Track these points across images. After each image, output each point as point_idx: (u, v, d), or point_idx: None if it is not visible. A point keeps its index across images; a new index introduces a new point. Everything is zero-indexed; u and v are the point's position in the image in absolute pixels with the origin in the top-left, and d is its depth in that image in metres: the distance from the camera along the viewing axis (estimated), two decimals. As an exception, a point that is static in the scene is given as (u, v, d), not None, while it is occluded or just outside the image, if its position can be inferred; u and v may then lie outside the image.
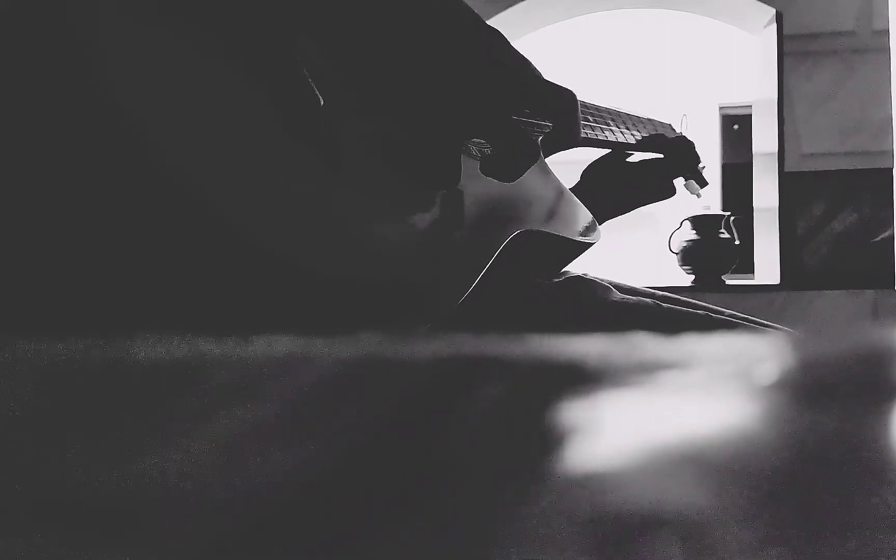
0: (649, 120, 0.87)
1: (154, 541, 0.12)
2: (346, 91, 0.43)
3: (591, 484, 0.14)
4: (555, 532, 0.12)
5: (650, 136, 0.85)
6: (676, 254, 2.24)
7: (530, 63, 0.48)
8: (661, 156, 0.85)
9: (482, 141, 0.49)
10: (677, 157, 0.86)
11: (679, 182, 0.90)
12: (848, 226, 2.18)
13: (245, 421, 0.17)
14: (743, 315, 0.64)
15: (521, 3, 2.24)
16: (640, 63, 3.22)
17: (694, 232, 2.20)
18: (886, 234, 2.17)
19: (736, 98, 2.99)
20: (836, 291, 2.09)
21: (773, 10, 2.22)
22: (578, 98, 0.52)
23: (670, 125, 0.92)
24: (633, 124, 0.83)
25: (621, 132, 0.80)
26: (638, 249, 2.87)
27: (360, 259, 0.40)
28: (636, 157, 0.85)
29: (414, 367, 0.21)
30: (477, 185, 0.50)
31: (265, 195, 0.37)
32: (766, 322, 0.63)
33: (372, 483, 0.14)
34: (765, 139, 2.28)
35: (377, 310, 0.40)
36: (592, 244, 0.63)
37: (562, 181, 0.67)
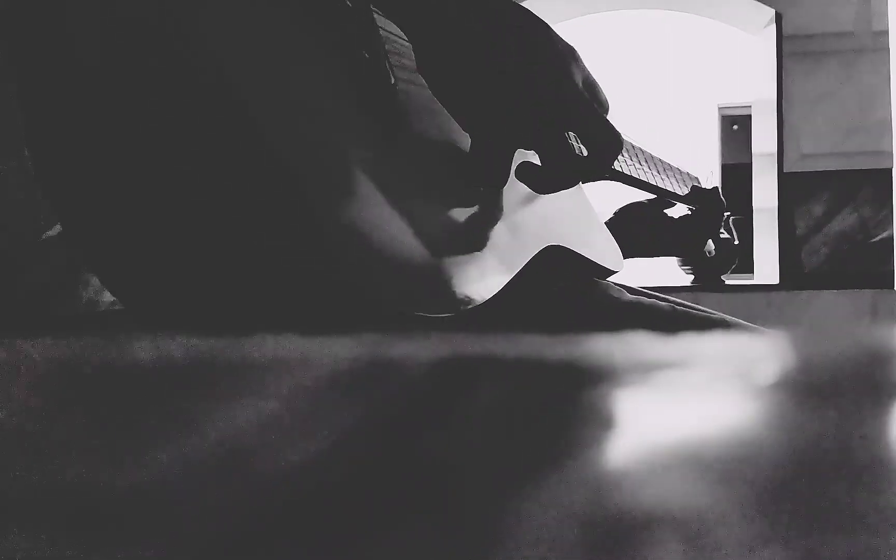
0: (685, 172, 0.87)
1: (154, 540, 0.12)
2: (420, 75, 0.45)
3: (591, 484, 0.14)
4: (555, 532, 0.12)
5: (693, 189, 0.85)
6: (676, 254, 2.24)
7: (598, 86, 0.49)
8: (693, 209, 0.85)
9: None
10: (710, 213, 0.86)
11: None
12: (847, 226, 2.18)
13: (245, 421, 0.17)
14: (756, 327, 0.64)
15: (521, 4, 2.23)
16: (641, 63, 3.22)
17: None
18: (886, 234, 2.17)
19: (736, 98, 2.98)
20: (836, 291, 2.09)
21: (773, 11, 2.22)
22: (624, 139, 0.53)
23: (697, 178, 0.91)
24: (675, 174, 0.83)
25: (667, 181, 0.80)
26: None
27: (393, 233, 0.41)
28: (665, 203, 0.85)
29: (414, 367, 0.21)
30: (518, 193, 0.51)
31: (327, 158, 0.39)
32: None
33: (372, 483, 0.14)
34: (764, 139, 2.28)
35: (401, 288, 0.41)
36: (615, 272, 0.64)
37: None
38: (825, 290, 2.10)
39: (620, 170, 0.70)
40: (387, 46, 0.44)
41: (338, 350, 0.22)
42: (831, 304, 2.07)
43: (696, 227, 0.86)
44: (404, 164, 0.43)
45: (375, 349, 0.22)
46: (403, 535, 0.12)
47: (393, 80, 0.43)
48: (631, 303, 0.56)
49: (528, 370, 0.21)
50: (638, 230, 0.83)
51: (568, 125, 0.46)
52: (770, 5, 2.22)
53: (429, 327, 0.40)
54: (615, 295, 0.57)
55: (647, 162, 0.76)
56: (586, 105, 0.46)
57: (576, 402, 0.18)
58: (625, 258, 0.80)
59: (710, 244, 0.93)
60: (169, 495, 0.13)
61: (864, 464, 0.14)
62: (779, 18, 2.22)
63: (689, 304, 0.66)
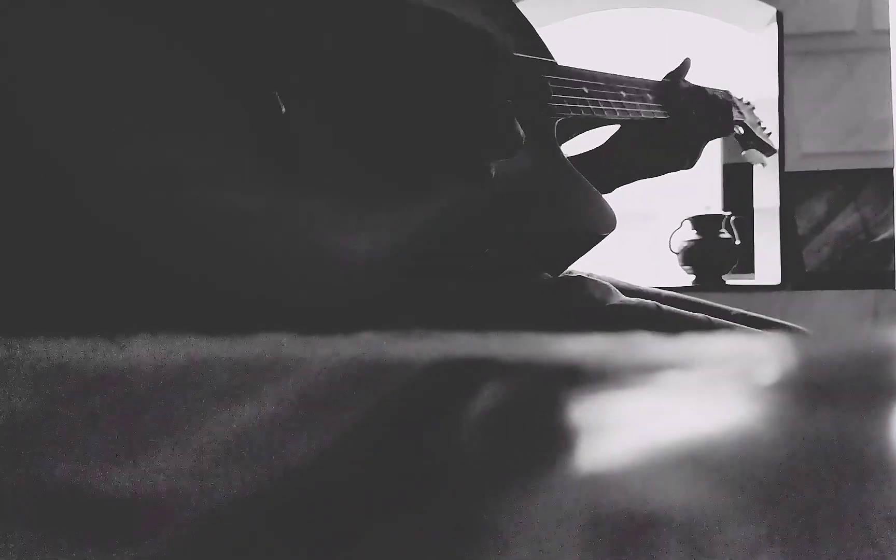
0: (652, 84, 0.79)
1: (154, 540, 0.12)
2: (313, 99, 0.43)
3: (591, 484, 0.14)
4: (555, 532, 0.12)
5: (657, 95, 0.76)
6: (677, 254, 2.24)
7: (520, 66, 0.47)
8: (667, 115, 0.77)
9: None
10: (682, 113, 0.77)
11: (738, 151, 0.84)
12: (848, 226, 2.18)
13: (244, 421, 0.17)
14: (749, 314, 0.63)
15: (521, 3, 2.24)
16: (641, 62, 3.21)
17: (694, 232, 2.20)
18: (887, 233, 2.17)
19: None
20: (837, 291, 2.09)
21: (774, 10, 2.22)
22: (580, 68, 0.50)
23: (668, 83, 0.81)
24: (639, 93, 0.75)
25: (626, 105, 0.72)
26: (638, 249, 2.87)
27: (320, 267, 0.40)
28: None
29: (414, 367, 0.21)
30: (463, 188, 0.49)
31: (211, 201, 0.37)
32: (770, 318, 0.62)
33: (372, 483, 0.14)
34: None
35: (348, 315, 0.40)
36: (605, 236, 0.61)
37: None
38: (826, 290, 2.10)
39: (573, 113, 0.65)
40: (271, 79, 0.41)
41: (337, 350, 0.22)
42: (833, 304, 2.07)
43: (671, 135, 0.77)
44: (313, 195, 0.41)
45: (375, 349, 0.22)
46: (403, 535, 0.12)
47: (283, 110, 0.40)
48: (612, 307, 0.55)
49: (528, 370, 0.21)
50: (618, 160, 0.77)
51: (478, 121, 0.45)
52: (771, 4, 2.22)
53: (428, 327, 0.40)
54: (598, 296, 0.55)
55: (602, 94, 0.70)
56: (489, 115, 0.45)
57: (576, 402, 0.18)
58: (620, 185, 0.77)
59: (756, 154, 0.86)
60: (168, 495, 0.13)
61: (864, 464, 0.14)
62: (780, 17, 2.22)
63: (680, 296, 0.65)
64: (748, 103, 0.97)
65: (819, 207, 2.19)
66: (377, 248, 0.43)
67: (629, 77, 0.76)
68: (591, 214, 0.60)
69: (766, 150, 0.89)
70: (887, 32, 2.17)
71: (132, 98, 0.36)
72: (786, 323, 0.63)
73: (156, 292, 0.35)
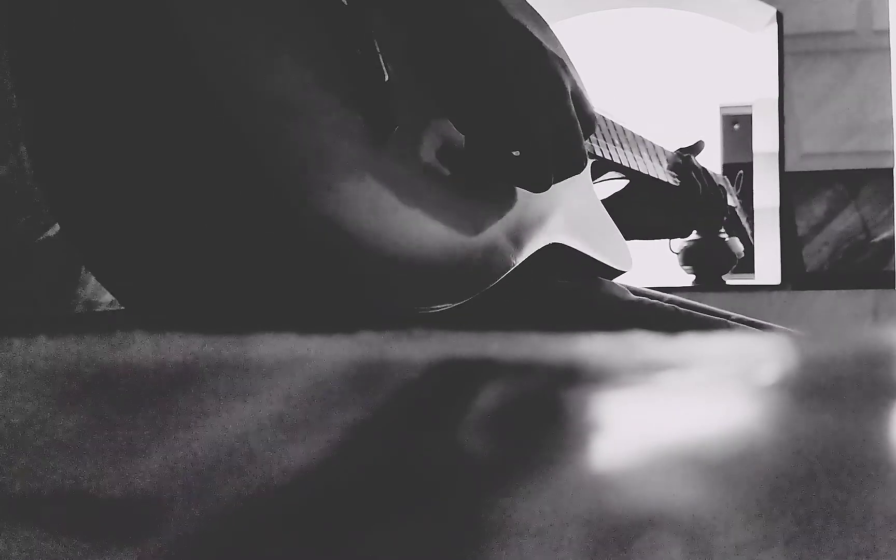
0: (669, 152, 0.84)
1: (154, 540, 0.12)
2: (416, 73, 0.45)
3: (591, 484, 0.14)
4: (555, 532, 0.12)
5: (673, 165, 0.82)
6: (677, 254, 2.24)
7: (586, 98, 0.50)
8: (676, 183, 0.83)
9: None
10: (687, 186, 0.83)
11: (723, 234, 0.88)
12: (848, 226, 2.18)
13: (245, 421, 0.17)
14: (764, 322, 0.64)
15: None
16: (640, 62, 3.22)
17: (694, 232, 2.20)
18: (887, 233, 2.17)
19: (736, 98, 2.98)
20: (837, 291, 2.09)
21: (774, 10, 2.22)
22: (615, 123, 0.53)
23: (682, 154, 0.87)
24: (656, 155, 0.80)
25: (649, 164, 0.77)
26: (638, 249, 2.87)
27: (382, 229, 0.41)
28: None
29: (414, 367, 0.21)
30: (519, 191, 0.51)
31: (309, 156, 0.39)
32: (788, 330, 0.64)
33: (371, 483, 0.14)
34: (765, 139, 2.27)
35: (391, 283, 0.41)
36: (623, 272, 0.64)
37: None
38: (826, 290, 2.10)
39: (601, 155, 0.68)
40: (378, 42, 0.43)
41: (338, 350, 0.22)
42: (832, 304, 2.07)
43: (677, 204, 0.83)
44: (396, 161, 0.43)
45: (375, 349, 0.22)
46: (403, 535, 0.12)
47: (387, 77, 0.43)
48: (632, 302, 0.56)
49: (528, 370, 0.21)
50: (625, 215, 0.81)
51: (552, 133, 0.47)
52: (771, 4, 2.22)
53: (429, 327, 0.40)
54: (618, 294, 0.57)
55: (628, 146, 0.74)
56: (571, 119, 0.47)
57: (576, 403, 0.18)
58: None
59: (738, 244, 0.91)
60: (168, 496, 0.13)
61: (864, 464, 0.14)
62: (780, 17, 2.22)
63: (694, 303, 0.66)
64: (736, 191, 1.03)
65: (819, 207, 2.19)
66: (439, 232, 0.45)
67: (650, 140, 0.81)
68: (615, 250, 0.64)
69: (746, 242, 0.94)
70: (887, 32, 2.17)
71: (265, 37, 0.39)
72: (789, 331, 0.65)
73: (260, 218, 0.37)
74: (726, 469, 0.14)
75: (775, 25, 2.22)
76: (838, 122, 2.17)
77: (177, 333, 0.22)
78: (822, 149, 2.18)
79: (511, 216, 0.50)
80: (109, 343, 0.22)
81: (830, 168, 2.18)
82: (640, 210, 0.82)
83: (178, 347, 0.22)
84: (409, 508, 0.13)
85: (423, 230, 0.43)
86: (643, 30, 3.06)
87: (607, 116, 0.71)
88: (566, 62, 0.49)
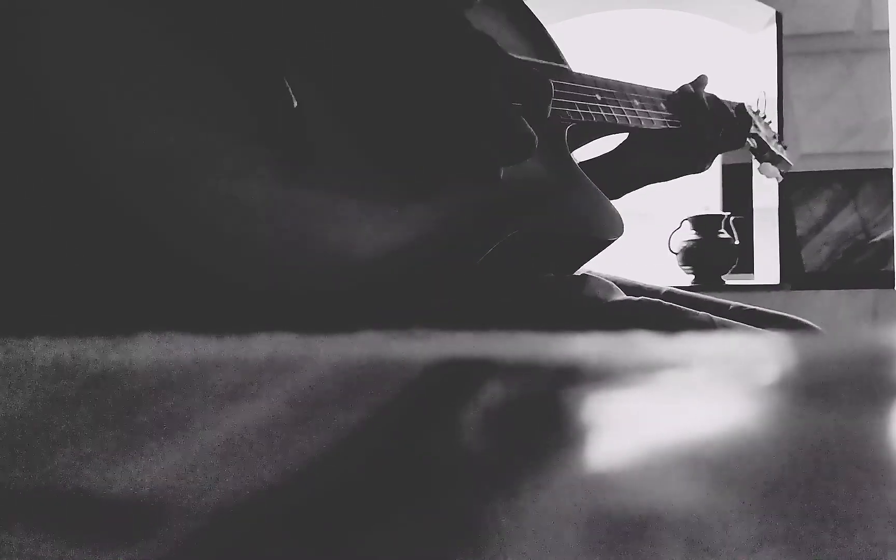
0: (666, 94, 0.78)
1: (154, 540, 0.12)
2: (324, 92, 0.43)
3: (591, 484, 0.14)
4: (555, 532, 0.12)
5: (671, 104, 0.76)
6: (676, 254, 2.24)
7: (528, 75, 0.48)
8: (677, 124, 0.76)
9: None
10: (693, 122, 0.77)
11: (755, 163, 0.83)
12: (847, 226, 2.18)
13: (245, 421, 0.17)
14: (750, 307, 0.63)
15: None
16: (640, 63, 3.22)
17: (694, 232, 2.20)
18: (886, 233, 2.17)
19: (736, 98, 2.99)
20: (836, 291, 2.09)
21: (773, 10, 2.22)
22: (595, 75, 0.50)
23: (681, 91, 0.80)
24: (650, 101, 0.75)
25: (638, 114, 0.73)
26: (638, 249, 2.87)
27: (322, 261, 0.40)
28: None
29: (414, 367, 0.21)
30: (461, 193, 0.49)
31: (218, 191, 0.37)
32: (768, 310, 0.63)
33: (371, 483, 0.14)
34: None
35: (350, 311, 0.40)
36: (612, 240, 0.61)
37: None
38: (826, 290, 2.10)
39: (583, 118, 0.65)
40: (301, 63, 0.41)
41: (338, 350, 0.22)
42: (832, 304, 2.07)
43: (682, 143, 0.77)
44: (321, 189, 0.41)
45: (375, 349, 0.22)
46: (403, 535, 0.12)
47: (295, 104, 0.40)
48: (615, 304, 0.55)
49: (528, 370, 0.21)
50: (630, 165, 0.77)
51: (484, 131, 0.46)
52: (770, 4, 2.22)
53: (429, 327, 0.40)
54: (601, 295, 0.55)
55: (614, 100, 0.70)
56: (497, 109, 0.46)
57: (575, 402, 0.18)
58: (630, 190, 0.77)
59: (770, 168, 0.85)
60: (168, 495, 0.13)
61: (864, 463, 0.14)
62: (779, 18, 2.22)
63: (683, 293, 0.65)
64: (764, 117, 0.96)
65: (818, 207, 2.19)
66: (382, 245, 0.43)
67: (644, 86, 0.76)
68: (599, 220, 0.60)
69: (782, 164, 0.88)
70: (887, 32, 2.17)
71: (142, 85, 0.36)
72: (784, 314, 0.64)
73: (160, 280, 0.35)
74: (726, 468, 0.14)
75: (774, 26, 2.22)
76: (837, 122, 2.17)
77: (177, 333, 0.22)
78: (822, 149, 2.18)
79: (467, 209, 0.49)
80: (109, 343, 0.22)
81: (830, 168, 2.18)
82: (642, 159, 0.78)
83: (179, 347, 0.22)
84: (409, 508, 0.13)
85: (369, 248, 0.42)
86: (643, 31, 3.06)
87: (589, 74, 0.68)
88: (487, 43, 0.46)
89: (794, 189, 2.20)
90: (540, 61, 0.63)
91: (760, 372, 0.21)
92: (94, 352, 0.22)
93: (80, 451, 0.15)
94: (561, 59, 0.66)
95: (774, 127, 0.96)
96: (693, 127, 0.78)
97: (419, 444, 0.16)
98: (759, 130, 0.91)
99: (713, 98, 0.82)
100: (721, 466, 0.14)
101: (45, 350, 0.21)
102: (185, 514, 0.13)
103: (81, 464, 0.15)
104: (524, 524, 0.12)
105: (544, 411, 0.18)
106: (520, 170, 0.50)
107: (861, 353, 0.22)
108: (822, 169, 2.18)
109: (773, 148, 0.92)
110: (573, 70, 0.67)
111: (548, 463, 0.14)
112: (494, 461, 0.15)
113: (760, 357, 0.23)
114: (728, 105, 0.84)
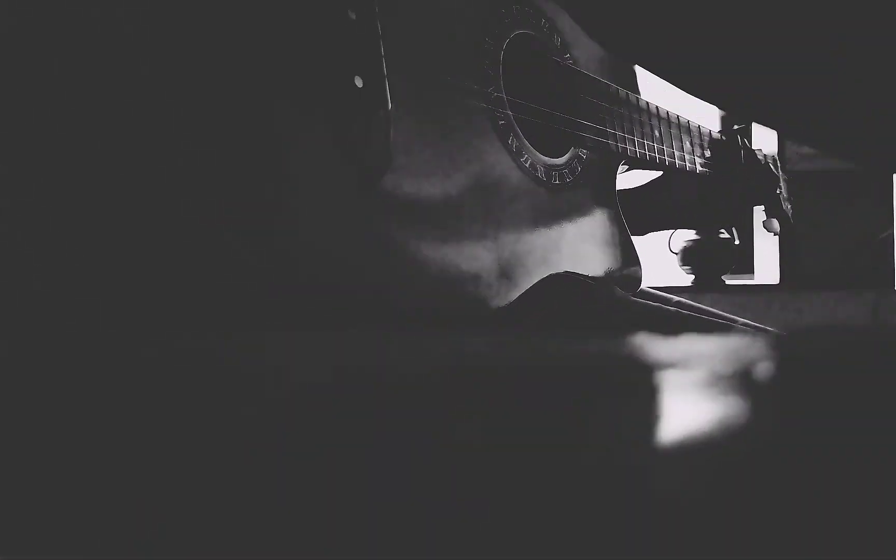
0: (705, 133, 0.76)
1: (153, 540, 0.12)
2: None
3: (592, 483, 0.14)
4: (555, 532, 0.12)
5: (710, 147, 0.74)
6: (676, 254, 2.24)
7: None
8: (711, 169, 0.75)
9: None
10: (726, 169, 0.75)
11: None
12: (848, 226, 2.18)
13: (244, 421, 0.17)
14: (757, 325, 0.63)
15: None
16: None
17: (693, 232, 2.20)
18: (886, 234, 2.17)
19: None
20: (836, 291, 2.09)
21: (773, 10, 2.22)
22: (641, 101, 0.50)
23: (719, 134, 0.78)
24: (689, 140, 0.72)
25: (685, 156, 0.71)
26: (638, 249, 2.87)
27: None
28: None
29: (416, 367, 0.21)
30: (520, 222, 0.50)
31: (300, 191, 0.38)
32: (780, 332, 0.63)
33: (371, 482, 0.14)
34: (765, 139, 2.28)
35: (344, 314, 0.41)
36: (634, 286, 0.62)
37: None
38: (826, 291, 2.10)
39: (633, 151, 0.63)
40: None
41: (337, 350, 0.22)
42: (832, 304, 2.07)
43: (713, 190, 0.74)
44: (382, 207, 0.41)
45: (375, 349, 0.22)
46: (403, 535, 0.12)
47: (390, 106, 0.39)
48: (637, 302, 0.55)
49: (529, 370, 0.21)
50: (662, 205, 0.75)
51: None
52: (770, 5, 2.22)
53: (430, 327, 0.40)
54: (619, 295, 0.56)
55: (668, 135, 0.68)
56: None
57: (576, 402, 0.18)
58: (655, 230, 0.76)
59: (774, 223, 0.83)
60: (168, 496, 0.13)
61: (864, 463, 0.14)
62: (779, 18, 2.22)
63: (698, 305, 0.65)
64: (784, 175, 0.95)
65: (818, 207, 2.19)
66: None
67: (698, 125, 0.74)
68: (620, 266, 0.61)
69: (785, 222, 0.88)
70: (887, 33, 2.17)
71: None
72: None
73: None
74: (725, 468, 0.14)
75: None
76: (838, 122, 2.17)
77: (177, 333, 0.22)
78: (822, 149, 2.18)
79: (507, 251, 0.48)
80: (110, 343, 0.22)
81: (830, 168, 2.18)
82: (677, 199, 0.76)
83: (180, 347, 0.22)
84: (409, 508, 0.13)
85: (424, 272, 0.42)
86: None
87: (652, 103, 0.65)
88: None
89: (794, 189, 2.20)
90: (611, 85, 0.61)
91: (760, 371, 0.21)
92: (95, 352, 0.22)
93: (79, 450, 0.15)
94: (633, 81, 0.65)
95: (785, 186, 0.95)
96: (729, 176, 0.76)
97: (419, 445, 0.16)
98: (781, 189, 0.90)
99: (752, 151, 0.80)
100: (720, 466, 0.14)
101: (46, 350, 0.21)
102: (184, 515, 0.13)
103: (81, 464, 0.15)
104: (524, 524, 0.12)
105: (544, 411, 0.18)
106: (571, 197, 0.49)
107: (860, 352, 0.23)
108: (823, 169, 2.18)
109: (783, 207, 0.91)
110: (639, 95, 0.65)
111: (548, 463, 0.14)
112: (494, 461, 0.15)
113: (760, 357, 0.23)
114: (765, 158, 0.81)
